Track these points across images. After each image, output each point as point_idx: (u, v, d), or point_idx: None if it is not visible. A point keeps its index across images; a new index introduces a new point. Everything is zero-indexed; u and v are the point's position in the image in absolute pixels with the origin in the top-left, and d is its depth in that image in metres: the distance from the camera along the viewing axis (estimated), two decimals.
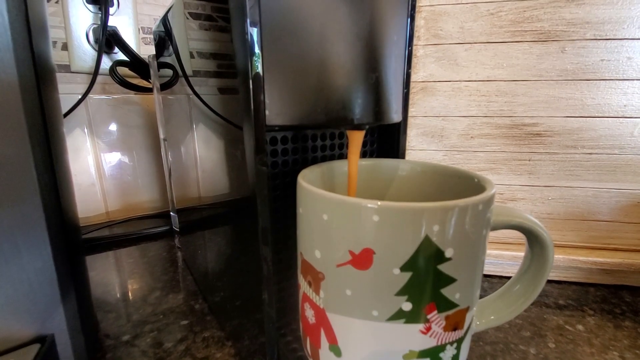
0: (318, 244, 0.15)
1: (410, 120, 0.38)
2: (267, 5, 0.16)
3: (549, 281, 0.36)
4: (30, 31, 0.20)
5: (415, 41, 0.36)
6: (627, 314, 0.31)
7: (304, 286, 0.17)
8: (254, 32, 0.16)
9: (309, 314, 0.17)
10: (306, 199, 0.16)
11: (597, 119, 0.32)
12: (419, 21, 0.35)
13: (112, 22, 0.52)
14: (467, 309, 0.15)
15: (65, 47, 0.50)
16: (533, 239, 0.17)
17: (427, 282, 0.14)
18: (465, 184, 0.19)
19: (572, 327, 0.29)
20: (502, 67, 0.34)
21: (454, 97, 0.36)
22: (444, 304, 0.14)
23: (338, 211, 0.14)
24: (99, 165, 0.55)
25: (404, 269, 0.13)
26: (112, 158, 0.56)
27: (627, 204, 0.34)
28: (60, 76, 0.50)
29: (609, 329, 0.29)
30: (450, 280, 0.14)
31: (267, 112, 0.17)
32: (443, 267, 0.14)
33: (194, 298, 0.35)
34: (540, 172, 0.36)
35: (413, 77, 0.37)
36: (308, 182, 0.18)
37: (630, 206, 0.34)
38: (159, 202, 0.61)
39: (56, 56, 0.50)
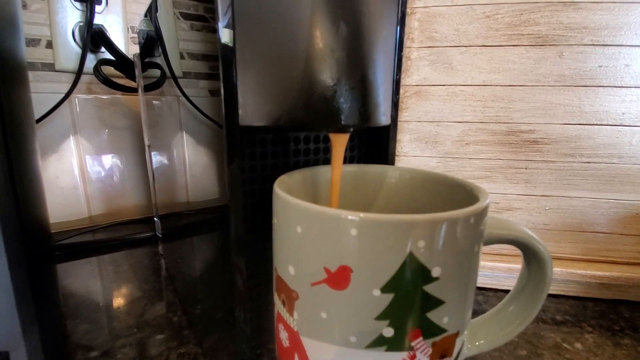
0: (292, 259, 0.14)
1: (403, 125, 0.36)
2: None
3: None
4: None
5: (409, 43, 0.35)
6: (626, 330, 0.29)
7: (278, 305, 0.15)
8: (226, 22, 0.14)
9: (283, 336, 0.15)
10: (280, 209, 0.14)
11: (595, 126, 0.31)
12: (413, 23, 0.34)
13: (100, 20, 0.50)
14: (456, 334, 0.14)
15: (49, 44, 0.48)
16: (530, 254, 0.15)
17: (411, 305, 0.12)
18: (457, 193, 0.17)
19: (570, 345, 0.27)
20: (499, 72, 0.33)
21: (449, 102, 0.35)
22: (431, 330, 0.13)
23: (312, 223, 0.12)
24: (83, 167, 0.53)
25: (385, 290, 0.12)
26: (97, 160, 0.54)
27: (625, 215, 0.33)
28: (43, 75, 0.49)
29: (608, 347, 0.27)
30: (437, 302, 0.12)
31: (240, 112, 0.15)
32: (429, 288, 0.12)
33: (173, 310, 0.33)
34: (537, 180, 0.34)
35: (407, 81, 0.36)
36: (286, 189, 0.16)
37: (629, 218, 0.33)
38: (146, 206, 0.59)
39: (40, 54, 0.48)
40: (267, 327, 0.22)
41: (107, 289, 0.37)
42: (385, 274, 0.12)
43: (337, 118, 0.16)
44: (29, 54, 0.47)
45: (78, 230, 0.51)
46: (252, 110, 0.15)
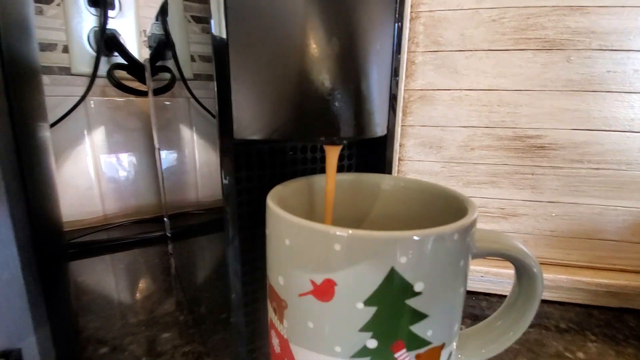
0: (281, 269, 0.14)
1: (407, 130, 0.36)
2: (234, 12, 0.15)
3: (551, 302, 0.34)
4: None
5: (413, 48, 0.35)
6: (630, 340, 0.29)
7: (270, 312, 0.16)
8: (220, 39, 0.15)
9: (275, 342, 0.16)
10: (270, 220, 0.15)
11: (604, 132, 0.30)
12: (418, 27, 0.34)
13: (114, 25, 0.52)
14: (442, 346, 0.14)
15: (66, 49, 0.50)
16: (521, 269, 0.15)
17: (394, 318, 0.12)
18: (450, 204, 0.17)
19: (572, 354, 0.27)
20: (505, 76, 0.33)
21: (454, 107, 0.35)
22: (414, 342, 0.13)
23: (299, 237, 0.13)
24: (98, 167, 0.55)
25: (368, 303, 0.12)
26: (111, 161, 0.56)
27: (634, 222, 0.32)
28: (60, 78, 0.50)
29: (611, 357, 0.27)
30: (421, 316, 0.13)
31: (234, 125, 0.16)
32: (412, 302, 0.12)
33: (180, 309, 0.34)
34: (543, 186, 0.34)
35: (411, 85, 0.35)
36: (281, 198, 0.17)
37: (637, 225, 0.32)
38: (159, 205, 0.60)
39: (57, 58, 0.50)
40: (264, 330, 0.23)
41: (118, 286, 0.38)
42: (368, 288, 0.12)
43: (329, 131, 0.17)
44: (46, 59, 0.49)
45: (93, 229, 0.53)
46: (246, 123, 0.16)
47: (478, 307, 0.34)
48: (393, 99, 0.22)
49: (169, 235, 0.45)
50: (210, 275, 0.28)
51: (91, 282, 0.39)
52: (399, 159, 0.37)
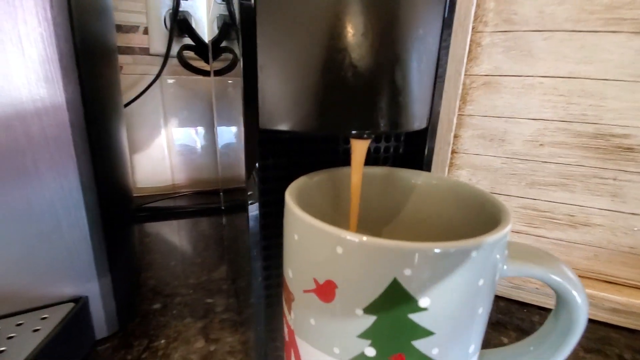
0: (291, 263, 0.14)
1: (465, 120, 0.33)
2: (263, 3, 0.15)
3: (620, 328, 0.30)
4: (71, 11, 0.21)
5: (481, 27, 0.31)
6: None
7: (283, 301, 0.16)
8: (249, 27, 0.15)
9: (285, 330, 0.16)
10: (285, 213, 0.15)
11: None
12: (488, 3, 0.30)
13: (188, 7, 0.55)
14: None
15: (146, 31, 0.55)
16: (562, 297, 0.13)
17: (395, 331, 0.12)
18: (484, 209, 0.16)
19: None
20: (590, 63, 0.28)
21: (524, 96, 0.31)
22: (417, 358, 0.12)
23: (305, 234, 0.13)
24: (170, 141, 0.60)
25: (367, 311, 0.12)
26: (182, 135, 0.61)
27: None
28: (140, 58, 0.55)
29: None
30: (425, 332, 0.12)
31: (260, 116, 0.16)
32: (416, 317, 0.12)
33: (225, 278, 0.36)
34: (627, 195, 0.29)
35: (474, 70, 0.32)
36: (304, 191, 0.16)
37: None
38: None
39: (138, 40, 0.55)
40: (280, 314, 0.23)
41: (176, 251, 0.42)
42: (368, 296, 0.12)
43: (360, 124, 0.16)
44: (129, 40, 0.54)
45: (162, 196, 0.58)
46: (272, 114, 0.16)
47: (528, 320, 0.31)
48: (441, 85, 0.20)
49: (222, 208, 0.49)
50: (250, 252, 0.29)
51: (155, 243, 0.44)
52: (453, 152, 0.34)
